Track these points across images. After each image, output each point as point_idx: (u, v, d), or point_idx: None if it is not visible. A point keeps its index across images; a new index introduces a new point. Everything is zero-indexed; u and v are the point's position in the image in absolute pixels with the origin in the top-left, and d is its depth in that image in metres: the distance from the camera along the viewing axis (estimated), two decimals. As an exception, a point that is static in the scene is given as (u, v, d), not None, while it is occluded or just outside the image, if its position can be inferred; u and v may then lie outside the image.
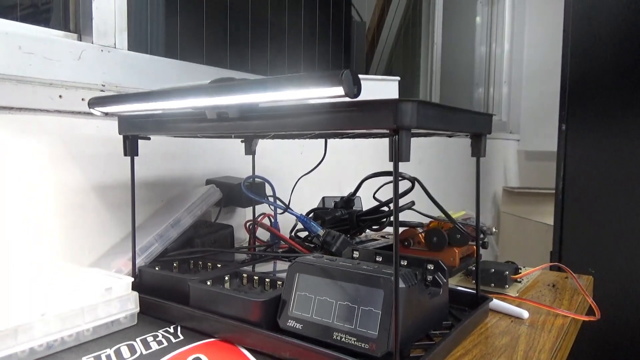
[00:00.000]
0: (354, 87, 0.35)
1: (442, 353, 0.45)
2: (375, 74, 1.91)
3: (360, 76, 0.58)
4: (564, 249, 1.56)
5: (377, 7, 1.97)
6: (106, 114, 0.55)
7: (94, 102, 0.54)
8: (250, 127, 0.47)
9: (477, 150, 0.53)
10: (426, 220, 0.77)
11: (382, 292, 0.43)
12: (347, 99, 0.36)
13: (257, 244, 0.80)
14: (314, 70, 1.37)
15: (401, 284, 0.43)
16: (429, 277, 0.51)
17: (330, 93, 0.36)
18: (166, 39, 0.98)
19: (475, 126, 0.50)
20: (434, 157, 1.63)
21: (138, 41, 0.87)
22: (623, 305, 1.45)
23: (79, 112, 0.66)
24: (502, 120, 2.49)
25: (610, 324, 1.46)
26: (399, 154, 0.37)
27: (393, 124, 0.37)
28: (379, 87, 0.62)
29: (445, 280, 0.50)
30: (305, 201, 0.93)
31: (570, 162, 1.54)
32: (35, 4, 0.76)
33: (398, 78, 0.62)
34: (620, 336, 1.45)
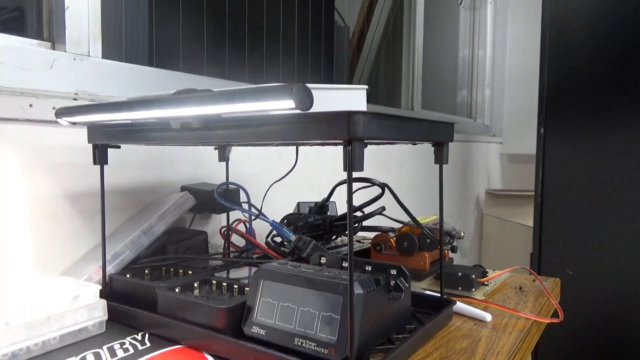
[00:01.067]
0: (306, 100, 0.36)
1: (402, 356, 0.47)
2: (359, 79, 1.93)
3: (326, 86, 0.59)
4: (543, 251, 1.58)
5: (362, 11, 1.99)
6: (73, 123, 0.56)
7: (61, 112, 0.54)
8: (214, 137, 0.48)
9: (440, 157, 0.54)
10: (399, 225, 0.78)
11: (342, 298, 0.44)
12: (299, 111, 0.37)
13: (232, 249, 0.80)
14: (294, 76, 1.39)
15: (359, 290, 0.44)
16: (392, 282, 0.52)
17: (283, 106, 0.37)
18: (143, 46, 0.98)
19: (436, 135, 0.52)
20: (415, 161, 1.65)
21: (114, 49, 0.88)
22: (602, 305, 1.47)
23: (50, 121, 0.67)
24: (485, 123, 2.52)
25: (590, 323, 1.48)
26: (352, 164, 0.38)
27: (346, 135, 0.38)
28: (346, 96, 0.63)
29: (407, 285, 0.52)
30: (281, 207, 0.94)
31: (549, 165, 1.57)
32: (8, 12, 0.76)
33: (366, 87, 0.64)
34: (600, 335, 1.48)
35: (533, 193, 1.61)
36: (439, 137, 0.52)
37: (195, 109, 0.43)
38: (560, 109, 1.55)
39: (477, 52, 2.53)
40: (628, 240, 1.42)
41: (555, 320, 0.60)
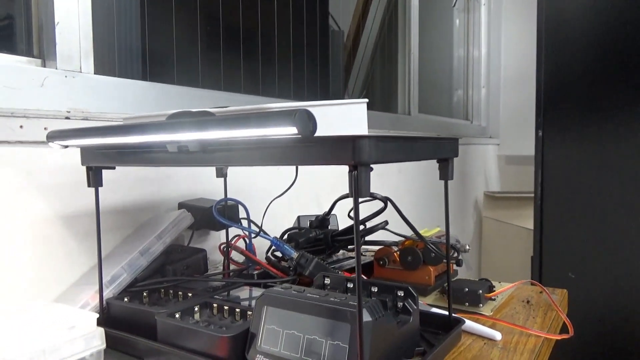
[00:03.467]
0: (309, 125, 0.35)
1: (412, 384, 0.45)
2: (355, 84, 1.92)
3: (327, 102, 0.57)
4: (544, 254, 1.57)
5: (355, 15, 1.97)
6: (66, 146, 0.54)
7: (53, 136, 0.52)
8: (211, 160, 0.46)
9: (445, 174, 0.52)
10: (401, 239, 0.77)
11: (349, 326, 0.43)
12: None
13: (232, 266, 0.79)
14: (290, 82, 1.37)
15: (367, 317, 0.42)
16: (400, 304, 0.50)
17: (285, 132, 0.35)
18: (140, 60, 0.97)
19: (441, 152, 0.50)
20: (413, 166, 1.64)
21: (106, 64, 0.86)
22: (604, 308, 1.46)
23: (42, 142, 0.65)
24: (482, 125, 2.51)
25: (592, 327, 1.47)
26: (358, 189, 0.37)
27: (351, 160, 0.36)
28: (347, 111, 0.61)
29: (415, 307, 0.50)
30: (281, 220, 0.92)
31: (548, 167, 1.56)
32: (-3, 29, 0.74)
33: (366, 100, 0.62)
34: (602, 336, 1.47)
35: (532, 195, 1.60)
36: (444, 153, 0.51)
37: (192, 135, 0.41)
38: (558, 110, 1.54)
39: (472, 52, 2.52)
40: (630, 241, 1.41)
41: (565, 337, 0.58)
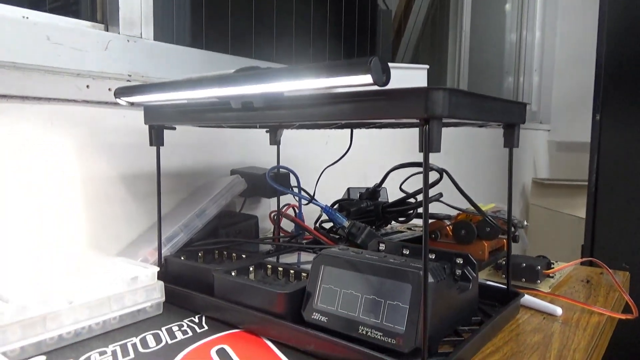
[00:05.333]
0: (383, 75, 0.34)
1: (471, 350, 0.44)
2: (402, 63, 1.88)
3: (390, 64, 0.56)
4: (596, 243, 1.51)
5: (404, -5, 1.93)
6: (132, 103, 0.55)
7: (120, 92, 0.54)
8: (275, 117, 0.46)
9: (510, 140, 0.51)
10: (454, 213, 0.75)
11: (410, 287, 0.42)
12: (375, 87, 0.35)
13: (281, 234, 0.79)
14: (339, 59, 1.36)
15: (430, 279, 0.41)
16: (458, 272, 0.49)
17: (358, 81, 0.34)
18: (192, 29, 0.98)
19: (508, 116, 0.48)
20: (460, 148, 1.60)
21: (164, 31, 0.87)
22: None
23: (106, 103, 0.67)
24: (533, 109, 2.42)
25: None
26: (429, 144, 0.36)
27: (424, 113, 0.35)
28: (407, 76, 0.60)
29: (474, 275, 0.49)
30: (330, 192, 0.92)
31: (604, 153, 1.49)
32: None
33: (427, 66, 0.60)
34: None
35: (583, 183, 1.54)
36: (511, 118, 0.49)
37: (259, 87, 0.41)
38: (618, 95, 1.46)
39: (526, 35, 2.42)
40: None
41: (630, 317, 0.56)
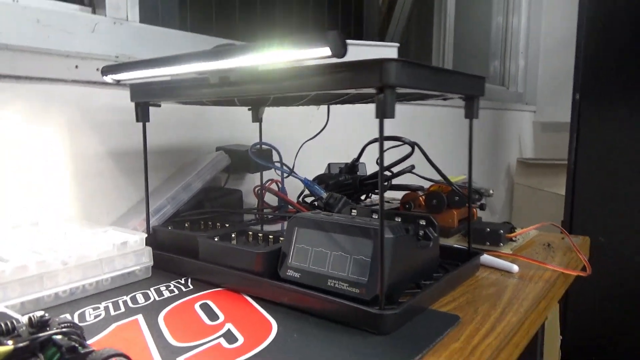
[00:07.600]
0: (341, 47, 0.38)
1: (429, 299, 0.49)
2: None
3: (359, 42, 0.60)
4: (574, 218, 1.57)
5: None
6: (118, 81, 0.59)
7: (107, 70, 0.57)
8: (251, 91, 0.50)
9: (470, 112, 0.55)
10: (428, 184, 0.80)
11: (372, 242, 0.46)
12: (336, 60, 0.39)
13: (265, 208, 0.84)
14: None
15: (389, 234, 0.46)
16: (421, 232, 0.54)
17: (319, 54, 0.38)
18: (178, 11, 1.01)
19: (467, 88, 0.52)
20: (442, 130, 1.64)
21: (150, 14, 0.90)
22: (635, 272, 1.46)
23: (95, 82, 0.70)
24: (519, 91, 2.47)
25: (622, 287, 1.47)
26: (383, 111, 0.40)
27: (379, 82, 0.39)
28: (378, 53, 0.64)
29: (435, 235, 0.53)
30: (312, 168, 0.96)
31: (584, 132, 1.54)
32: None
33: (397, 44, 0.64)
34: (633, 297, 1.47)
35: (565, 162, 1.59)
36: (469, 90, 0.53)
37: (234, 61, 0.45)
38: (597, 76, 1.51)
39: (512, 19, 2.45)
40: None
41: (582, 274, 0.61)
